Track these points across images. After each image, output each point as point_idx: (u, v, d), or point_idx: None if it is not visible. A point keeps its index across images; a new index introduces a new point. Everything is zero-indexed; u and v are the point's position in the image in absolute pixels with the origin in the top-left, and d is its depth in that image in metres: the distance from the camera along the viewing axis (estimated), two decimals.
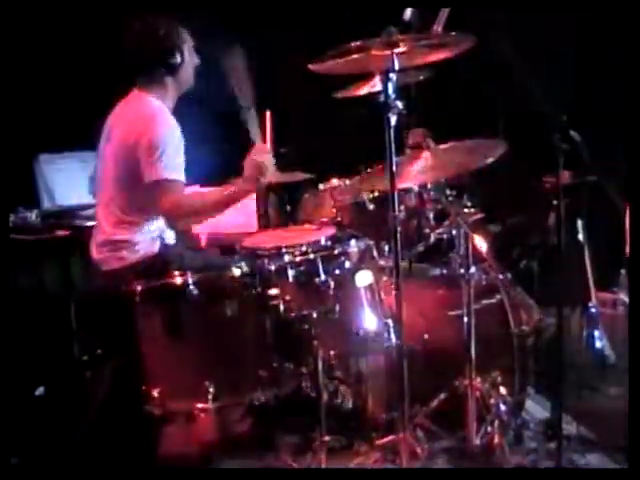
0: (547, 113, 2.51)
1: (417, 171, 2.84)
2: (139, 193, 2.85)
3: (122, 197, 2.90)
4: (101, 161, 3.01)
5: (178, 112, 2.97)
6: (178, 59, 2.91)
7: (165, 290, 2.63)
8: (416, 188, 3.09)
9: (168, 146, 2.78)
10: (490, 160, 2.72)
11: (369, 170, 3.04)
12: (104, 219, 2.96)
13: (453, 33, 2.51)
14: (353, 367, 3.08)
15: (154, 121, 2.84)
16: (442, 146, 2.93)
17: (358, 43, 2.41)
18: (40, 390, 3.64)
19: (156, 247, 2.94)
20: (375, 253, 2.99)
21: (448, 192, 3.09)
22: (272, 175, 2.89)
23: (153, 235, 2.94)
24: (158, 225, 2.96)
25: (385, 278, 3.03)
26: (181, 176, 2.79)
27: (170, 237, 3.04)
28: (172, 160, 2.77)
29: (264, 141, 2.88)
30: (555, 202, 2.70)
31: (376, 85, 3.00)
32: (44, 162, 4.05)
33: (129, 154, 2.83)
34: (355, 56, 2.47)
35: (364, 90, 3.25)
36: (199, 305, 2.61)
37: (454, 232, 2.98)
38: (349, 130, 4.45)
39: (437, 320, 3.11)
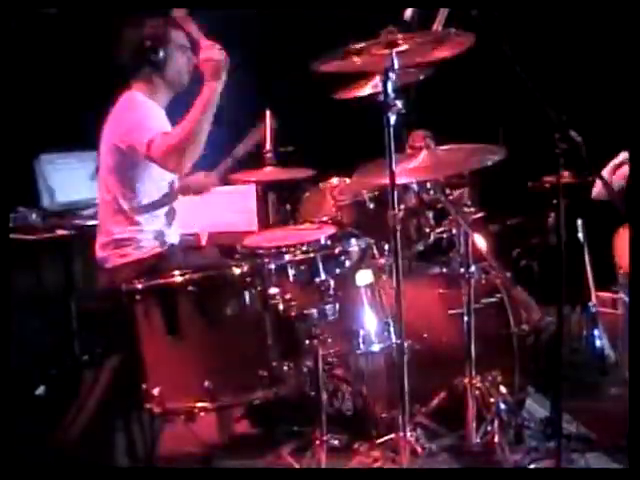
0: (547, 113, 2.51)
1: (414, 168, 2.85)
2: (135, 188, 2.91)
3: (123, 194, 2.93)
4: (100, 161, 3.05)
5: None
6: (160, 57, 2.97)
7: (165, 289, 2.63)
8: (416, 187, 3.09)
9: (148, 119, 2.87)
10: (489, 163, 2.73)
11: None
12: (107, 218, 2.98)
13: (452, 30, 2.51)
14: (353, 366, 3.09)
15: (131, 110, 2.93)
16: (442, 147, 2.94)
17: (360, 45, 2.42)
18: (40, 390, 3.65)
19: (158, 245, 2.96)
20: (375, 252, 2.99)
21: (448, 192, 3.09)
22: (270, 172, 2.92)
23: (156, 233, 2.97)
24: (161, 223, 2.99)
25: (385, 277, 3.03)
26: (163, 129, 2.85)
27: (173, 236, 3.05)
28: (154, 125, 2.85)
29: (264, 140, 2.92)
30: (555, 202, 2.70)
31: (377, 85, 2.99)
32: (44, 162, 4.05)
33: (122, 148, 2.88)
34: (357, 58, 2.47)
35: (365, 91, 3.24)
36: (199, 304, 2.60)
37: (454, 231, 2.98)
38: (349, 130, 4.45)
39: (437, 319, 3.11)
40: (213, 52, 2.85)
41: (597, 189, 3.58)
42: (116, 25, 3.02)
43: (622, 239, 3.50)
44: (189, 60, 3.05)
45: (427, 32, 2.67)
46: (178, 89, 3.08)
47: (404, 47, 2.48)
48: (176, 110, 3.07)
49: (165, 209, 3.02)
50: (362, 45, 2.43)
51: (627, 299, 3.55)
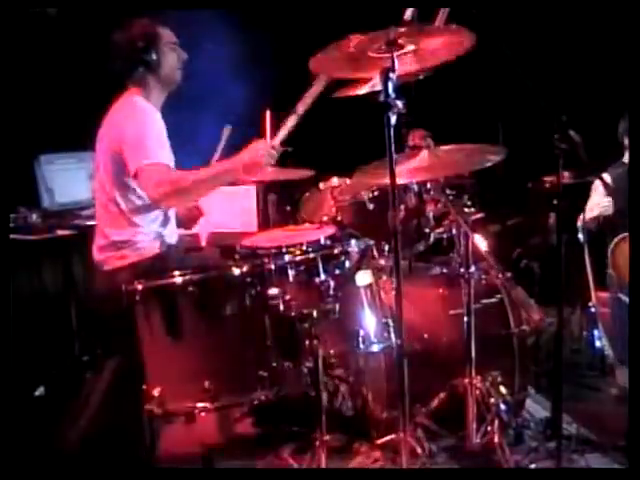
0: (547, 113, 2.51)
1: (414, 168, 2.85)
2: (132, 190, 2.89)
3: (121, 196, 2.92)
4: (97, 163, 3.04)
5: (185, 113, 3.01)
6: (154, 57, 2.95)
7: (165, 290, 2.63)
8: (416, 187, 3.09)
9: (146, 135, 2.83)
10: (489, 164, 2.73)
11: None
12: (104, 221, 2.98)
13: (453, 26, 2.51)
14: (353, 366, 3.08)
15: (131, 117, 2.89)
16: (442, 147, 2.94)
17: (360, 36, 2.41)
18: (40, 390, 3.65)
19: (157, 246, 2.96)
20: (375, 253, 2.99)
21: (448, 192, 3.09)
22: (270, 172, 2.90)
23: (153, 235, 2.96)
24: (158, 224, 2.98)
25: (385, 277, 3.03)
26: (162, 159, 2.82)
27: (171, 236, 3.05)
28: (152, 147, 2.82)
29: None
30: (555, 202, 2.70)
31: (376, 85, 2.99)
32: (44, 162, 4.06)
33: (118, 154, 2.86)
34: (353, 50, 2.46)
35: (364, 90, 3.24)
36: (199, 305, 2.60)
37: (454, 231, 2.98)
38: (349, 130, 4.45)
39: (437, 319, 3.11)
40: (267, 153, 2.86)
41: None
42: (106, 28, 3.01)
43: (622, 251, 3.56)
44: (179, 57, 3.04)
45: (428, 26, 2.66)
46: (172, 87, 3.06)
47: (406, 49, 2.47)
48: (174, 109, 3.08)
49: (163, 210, 3.01)
50: (363, 36, 2.42)
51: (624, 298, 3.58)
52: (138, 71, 2.97)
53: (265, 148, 2.86)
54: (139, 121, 2.88)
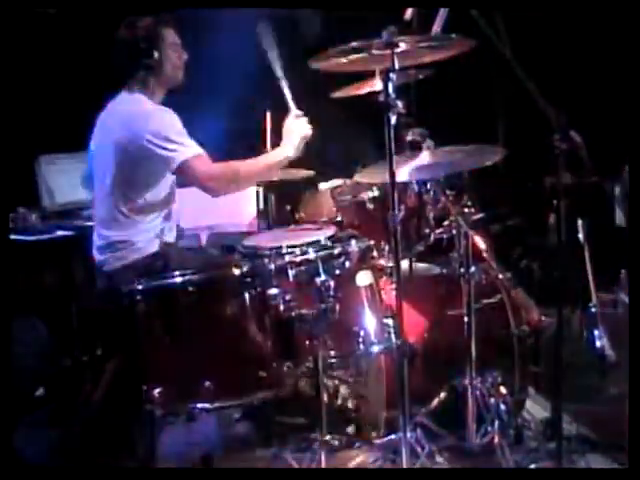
0: (547, 113, 2.51)
1: (414, 168, 2.85)
2: (132, 189, 2.89)
3: (123, 198, 2.91)
4: (95, 163, 3.02)
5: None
6: (155, 59, 2.94)
7: (165, 289, 2.63)
8: (416, 188, 3.09)
9: (173, 130, 2.85)
10: (488, 163, 2.74)
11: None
12: (103, 221, 2.97)
13: (453, 35, 2.52)
14: (353, 367, 3.09)
15: (150, 117, 2.89)
16: (442, 148, 2.94)
17: (359, 44, 2.42)
18: (40, 390, 3.65)
19: (155, 246, 2.95)
20: (375, 253, 2.99)
21: (448, 192, 3.09)
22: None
23: (152, 234, 2.95)
24: (157, 224, 2.97)
25: (385, 278, 3.03)
26: (201, 150, 2.87)
27: (169, 235, 3.04)
28: (184, 140, 2.85)
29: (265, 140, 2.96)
30: (555, 202, 2.70)
31: (376, 85, 2.99)
32: (44, 163, 4.06)
33: (131, 155, 2.85)
34: (356, 56, 2.47)
35: (364, 90, 3.25)
36: (199, 305, 2.61)
37: (454, 232, 2.98)
38: (349, 130, 4.45)
39: (437, 320, 3.11)
40: (301, 125, 2.97)
41: None
42: (110, 27, 3.01)
43: None
44: (181, 57, 3.04)
45: (427, 35, 2.67)
46: (173, 86, 3.06)
47: (404, 47, 2.48)
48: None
49: (164, 210, 3.01)
50: (361, 44, 2.43)
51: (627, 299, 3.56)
52: (138, 73, 2.96)
53: (297, 123, 2.98)
54: (161, 120, 2.88)
